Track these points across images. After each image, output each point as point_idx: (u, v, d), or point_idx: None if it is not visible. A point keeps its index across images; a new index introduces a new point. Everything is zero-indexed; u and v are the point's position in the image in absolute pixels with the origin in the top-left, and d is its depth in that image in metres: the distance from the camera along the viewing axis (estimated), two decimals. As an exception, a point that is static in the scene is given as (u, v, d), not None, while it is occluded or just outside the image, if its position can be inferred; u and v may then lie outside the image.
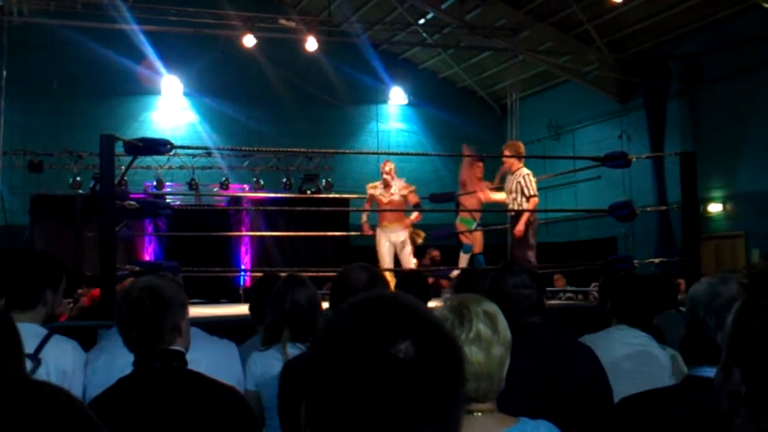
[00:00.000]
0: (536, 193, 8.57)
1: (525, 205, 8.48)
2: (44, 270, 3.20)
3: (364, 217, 9.81)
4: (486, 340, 2.03)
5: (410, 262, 9.44)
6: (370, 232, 9.65)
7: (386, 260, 9.43)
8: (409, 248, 9.49)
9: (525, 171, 8.64)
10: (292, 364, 3.03)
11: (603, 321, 3.95)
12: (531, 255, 8.42)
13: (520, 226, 8.41)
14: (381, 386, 1.02)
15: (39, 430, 0.94)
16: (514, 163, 8.72)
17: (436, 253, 12.25)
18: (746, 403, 1.31)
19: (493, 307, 2.11)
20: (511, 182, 8.70)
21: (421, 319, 1.09)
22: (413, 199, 9.58)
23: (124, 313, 2.50)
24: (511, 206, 8.70)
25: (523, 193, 8.50)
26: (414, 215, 9.55)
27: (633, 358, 3.53)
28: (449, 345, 1.10)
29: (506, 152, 8.89)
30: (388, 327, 1.06)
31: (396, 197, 9.46)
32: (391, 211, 9.41)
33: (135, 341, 2.48)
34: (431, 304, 3.84)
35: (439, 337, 1.09)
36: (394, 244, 9.47)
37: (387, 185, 9.49)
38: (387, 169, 9.61)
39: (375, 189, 9.60)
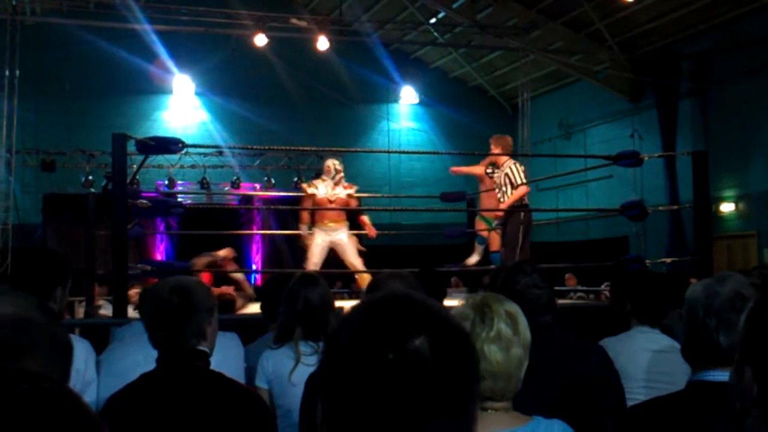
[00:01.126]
0: (524, 181, 8.30)
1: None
2: (55, 268, 3.23)
3: (305, 227, 9.26)
4: (506, 339, 2.03)
5: (357, 263, 9.08)
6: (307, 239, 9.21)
7: (316, 259, 9.00)
8: (353, 249, 9.16)
9: (511, 162, 8.43)
10: (316, 375, 3.01)
11: (615, 321, 3.92)
12: (519, 253, 8.19)
13: (503, 205, 8.30)
14: (396, 382, 1.03)
15: (33, 424, 0.94)
16: (500, 158, 8.53)
17: None
18: (758, 403, 1.30)
19: (514, 308, 2.11)
20: (499, 177, 8.55)
21: (435, 315, 1.10)
22: (354, 203, 9.29)
23: (152, 311, 2.52)
24: (501, 201, 8.53)
25: (511, 184, 8.30)
26: (370, 229, 9.32)
27: (663, 363, 3.43)
28: (463, 341, 1.11)
29: (493, 147, 8.65)
30: (403, 323, 1.07)
31: (341, 195, 9.25)
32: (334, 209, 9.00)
33: (160, 340, 2.50)
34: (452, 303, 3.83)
35: (454, 333, 1.10)
36: (335, 243, 9.07)
37: (338, 183, 9.26)
38: (340, 167, 9.35)
39: (316, 188, 9.16)
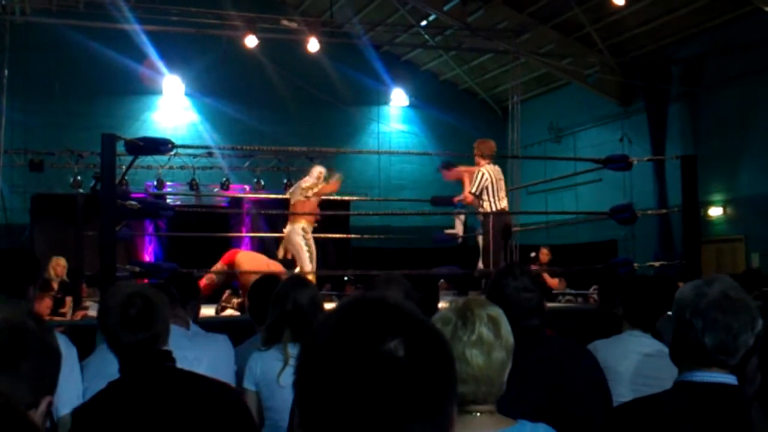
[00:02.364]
0: (476, 191, 8.41)
1: (485, 205, 8.43)
2: (26, 266, 3.22)
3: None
4: (488, 343, 2.03)
5: None
6: None
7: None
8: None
9: (484, 168, 8.54)
10: None
11: (604, 324, 3.92)
12: (491, 258, 8.26)
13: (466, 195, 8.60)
14: (371, 385, 1.03)
15: None
16: (480, 161, 8.66)
17: (545, 251, 11.99)
18: (759, 396, 1.30)
19: (496, 311, 2.11)
20: None
21: (409, 318, 1.10)
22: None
23: (117, 318, 2.49)
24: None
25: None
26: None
27: (652, 367, 3.45)
28: (439, 343, 1.11)
29: (476, 151, 8.77)
30: (377, 326, 1.07)
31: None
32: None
33: (131, 345, 2.46)
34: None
35: (429, 335, 1.10)
36: None
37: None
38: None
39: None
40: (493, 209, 8.39)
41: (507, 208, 8.82)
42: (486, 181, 8.40)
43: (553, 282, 10.73)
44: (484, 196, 8.42)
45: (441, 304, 4.45)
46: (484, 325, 2.05)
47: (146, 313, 2.48)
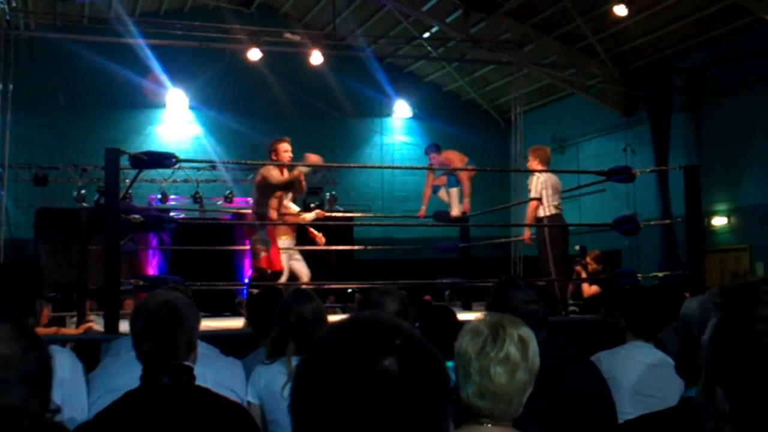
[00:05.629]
0: (538, 195, 8.29)
1: (540, 211, 8.31)
2: (34, 281, 3.21)
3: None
4: (513, 363, 2.05)
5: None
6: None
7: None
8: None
9: (542, 176, 8.42)
10: None
11: (608, 335, 3.91)
12: (551, 265, 8.23)
13: (525, 233, 8.32)
14: (367, 402, 1.04)
15: None
16: (536, 168, 8.56)
17: (590, 258, 11.61)
18: (731, 421, 1.29)
19: (528, 333, 2.13)
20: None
21: (403, 336, 1.12)
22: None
23: (141, 325, 2.51)
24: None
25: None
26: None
27: (655, 378, 3.44)
28: (433, 360, 1.13)
29: (531, 158, 8.66)
30: (372, 345, 1.09)
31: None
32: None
33: (150, 354, 2.47)
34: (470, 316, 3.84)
35: (423, 353, 1.12)
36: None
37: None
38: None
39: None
40: (548, 214, 8.32)
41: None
42: (544, 185, 8.34)
43: (592, 290, 10.57)
44: (544, 202, 8.35)
45: (476, 315, 4.41)
46: (513, 345, 2.06)
47: (170, 325, 2.48)
